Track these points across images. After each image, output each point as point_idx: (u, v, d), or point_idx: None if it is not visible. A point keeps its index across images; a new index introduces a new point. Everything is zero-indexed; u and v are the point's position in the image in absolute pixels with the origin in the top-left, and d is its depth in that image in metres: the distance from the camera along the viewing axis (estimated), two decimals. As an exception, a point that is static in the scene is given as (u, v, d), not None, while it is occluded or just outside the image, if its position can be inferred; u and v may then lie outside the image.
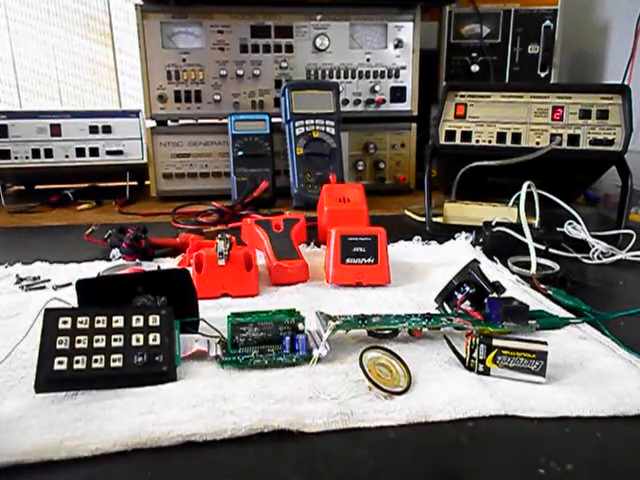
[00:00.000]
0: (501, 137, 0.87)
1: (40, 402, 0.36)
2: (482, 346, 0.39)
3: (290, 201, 1.03)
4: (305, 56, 1.11)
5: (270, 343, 0.43)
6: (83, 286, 0.43)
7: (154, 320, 0.41)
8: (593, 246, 0.70)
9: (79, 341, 0.38)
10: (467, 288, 0.50)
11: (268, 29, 1.09)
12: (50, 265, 0.67)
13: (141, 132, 1.10)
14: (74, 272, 0.63)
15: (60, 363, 0.37)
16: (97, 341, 0.39)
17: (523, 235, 0.65)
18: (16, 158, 1.06)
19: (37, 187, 1.26)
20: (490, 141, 0.87)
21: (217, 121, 1.13)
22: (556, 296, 0.55)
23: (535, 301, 0.54)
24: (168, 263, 0.68)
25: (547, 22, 1.18)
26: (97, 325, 0.39)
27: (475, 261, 0.51)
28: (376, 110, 1.16)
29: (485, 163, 0.84)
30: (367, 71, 1.13)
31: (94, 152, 1.08)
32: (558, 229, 0.76)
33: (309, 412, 0.35)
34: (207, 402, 0.36)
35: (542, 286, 0.57)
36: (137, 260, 0.67)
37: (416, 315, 0.47)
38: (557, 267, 0.63)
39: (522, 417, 0.35)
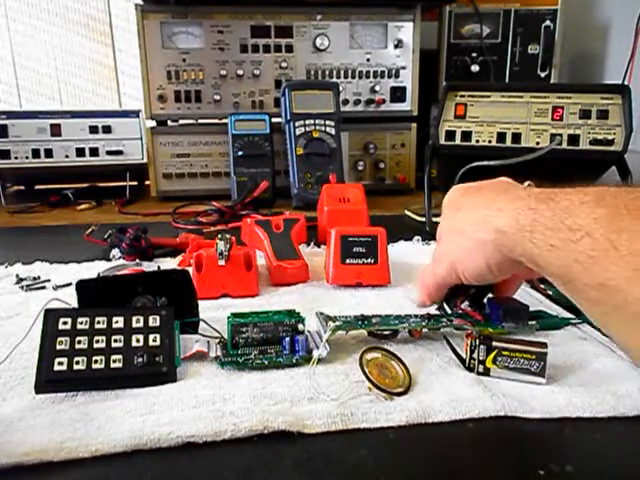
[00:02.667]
0: (501, 137, 0.87)
1: (40, 403, 0.36)
2: (482, 347, 0.39)
3: (290, 201, 1.03)
4: (305, 56, 1.11)
5: (270, 344, 0.43)
6: (83, 286, 0.43)
7: (154, 321, 0.41)
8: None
9: (79, 342, 0.38)
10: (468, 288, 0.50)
11: (268, 29, 1.09)
12: (50, 265, 0.67)
13: (141, 132, 1.10)
14: (74, 272, 0.63)
15: (60, 364, 0.37)
16: (97, 342, 0.39)
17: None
18: (16, 158, 1.06)
19: (37, 187, 1.26)
20: (490, 141, 0.87)
21: (217, 121, 1.13)
22: (556, 296, 0.55)
23: (535, 301, 0.54)
24: (168, 263, 0.68)
25: (547, 22, 1.18)
26: (97, 326, 0.39)
27: None
28: (376, 110, 1.16)
29: (485, 163, 0.84)
30: (367, 71, 1.13)
31: (94, 152, 1.08)
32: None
33: (309, 413, 0.35)
34: (207, 403, 0.36)
35: (542, 286, 0.57)
36: (137, 260, 0.67)
37: (416, 315, 0.47)
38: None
39: (522, 418, 0.35)
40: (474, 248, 0.39)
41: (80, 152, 1.08)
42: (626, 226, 0.29)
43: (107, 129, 1.08)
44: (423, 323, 0.46)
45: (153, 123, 1.12)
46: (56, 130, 1.07)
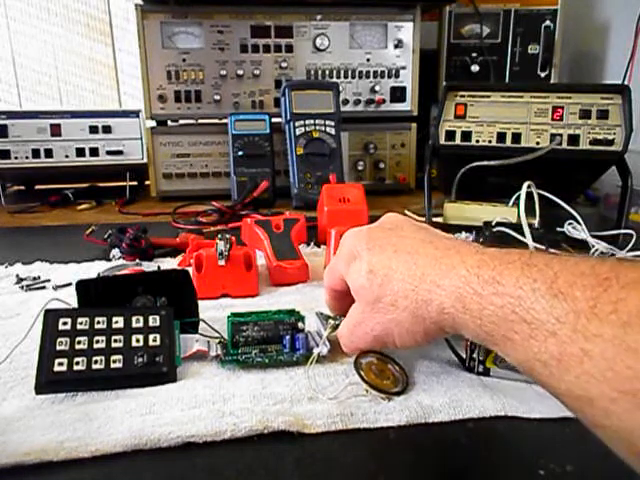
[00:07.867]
0: (501, 137, 0.87)
1: (40, 403, 0.36)
2: (482, 347, 0.39)
3: (290, 201, 1.02)
4: (305, 56, 1.11)
5: (270, 342, 0.43)
6: (83, 286, 0.43)
7: (154, 321, 0.41)
8: (593, 246, 0.69)
9: (79, 342, 0.38)
10: None
11: (268, 29, 1.09)
12: (50, 265, 0.67)
13: (141, 132, 1.10)
14: (74, 272, 0.64)
15: (60, 364, 0.37)
16: (97, 342, 0.39)
17: (523, 235, 0.65)
18: (16, 158, 1.06)
19: (37, 187, 1.26)
20: (490, 141, 0.87)
21: (217, 121, 1.13)
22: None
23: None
24: (168, 263, 0.68)
25: (547, 22, 1.18)
26: (97, 326, 0.39)
27: None
28: (376, 110, 1.15)
29: (485, 163, 0.84)
30: (367, 71, 1.13)
31: (94, 152, 1.08)
32: (558, 229, 0.76)
33: (309, 413, 0.35)
34: (207, 403, 0.36)
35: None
36: (137, 260, 0.67)
37: (416, 315, 0.47)
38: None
39: (522, 418, 0.35)
40: (413, 324, 0.35)
41: (80, 152, 1.08)
42: (595, 330, 0.24)
43: (107, 129, 1.08)
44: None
45: (153, 123, 1.12)
46: (56, 130, 1.07)
